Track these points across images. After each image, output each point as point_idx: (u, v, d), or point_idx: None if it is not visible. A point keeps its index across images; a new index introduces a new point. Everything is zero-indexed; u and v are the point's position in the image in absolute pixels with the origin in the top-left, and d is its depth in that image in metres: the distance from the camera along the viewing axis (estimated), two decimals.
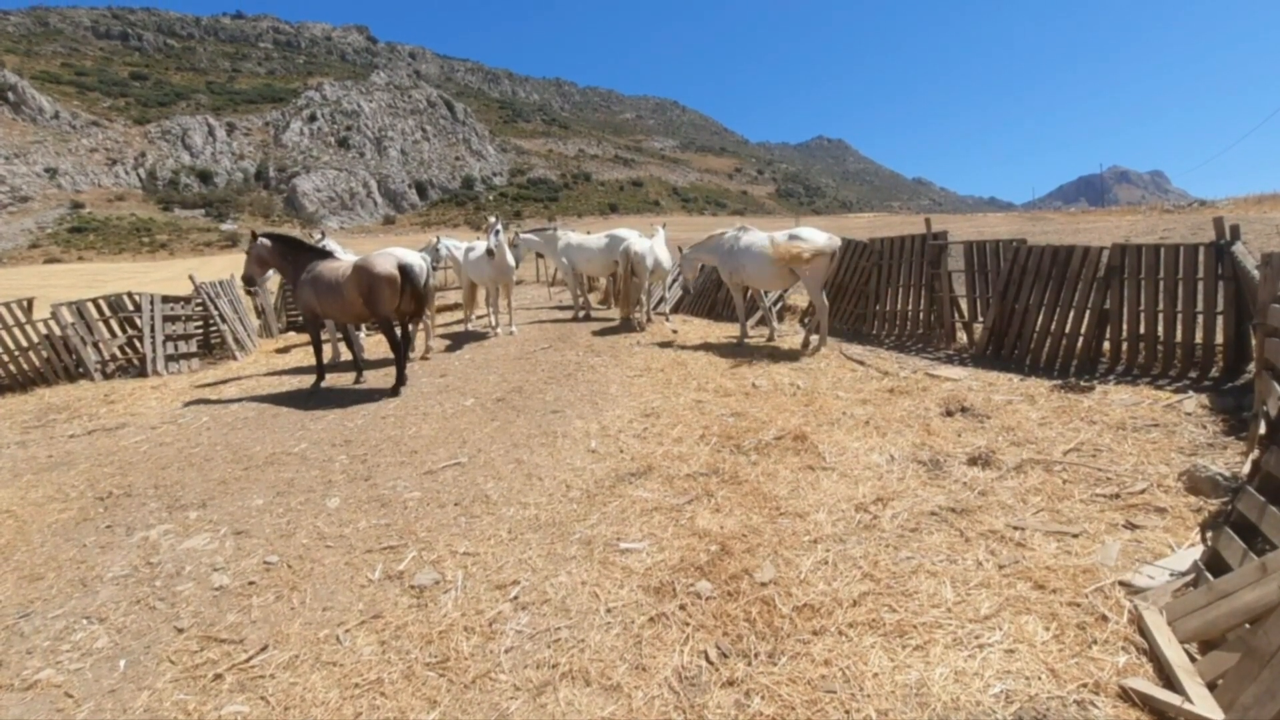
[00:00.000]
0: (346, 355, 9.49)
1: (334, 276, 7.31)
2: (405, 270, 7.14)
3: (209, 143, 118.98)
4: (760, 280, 8.33)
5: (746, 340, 8.78)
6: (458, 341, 10.54)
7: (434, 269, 12.89)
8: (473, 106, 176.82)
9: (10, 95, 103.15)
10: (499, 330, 10.73)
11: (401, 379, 7.28)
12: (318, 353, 7.85)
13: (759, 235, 8.43)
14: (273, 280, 12.06)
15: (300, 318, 7.62)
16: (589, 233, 13.01)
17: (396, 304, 7.21)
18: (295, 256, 7.73)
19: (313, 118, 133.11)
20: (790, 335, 9.38)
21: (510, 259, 9.69)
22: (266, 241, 7.76)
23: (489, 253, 9.41)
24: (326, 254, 7.81)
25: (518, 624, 2.83)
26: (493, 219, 9.75)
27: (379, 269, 7.06)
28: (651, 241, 10.57)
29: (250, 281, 8.04)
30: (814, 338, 8.31)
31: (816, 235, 7.84)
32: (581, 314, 12.22)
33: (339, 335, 9.89)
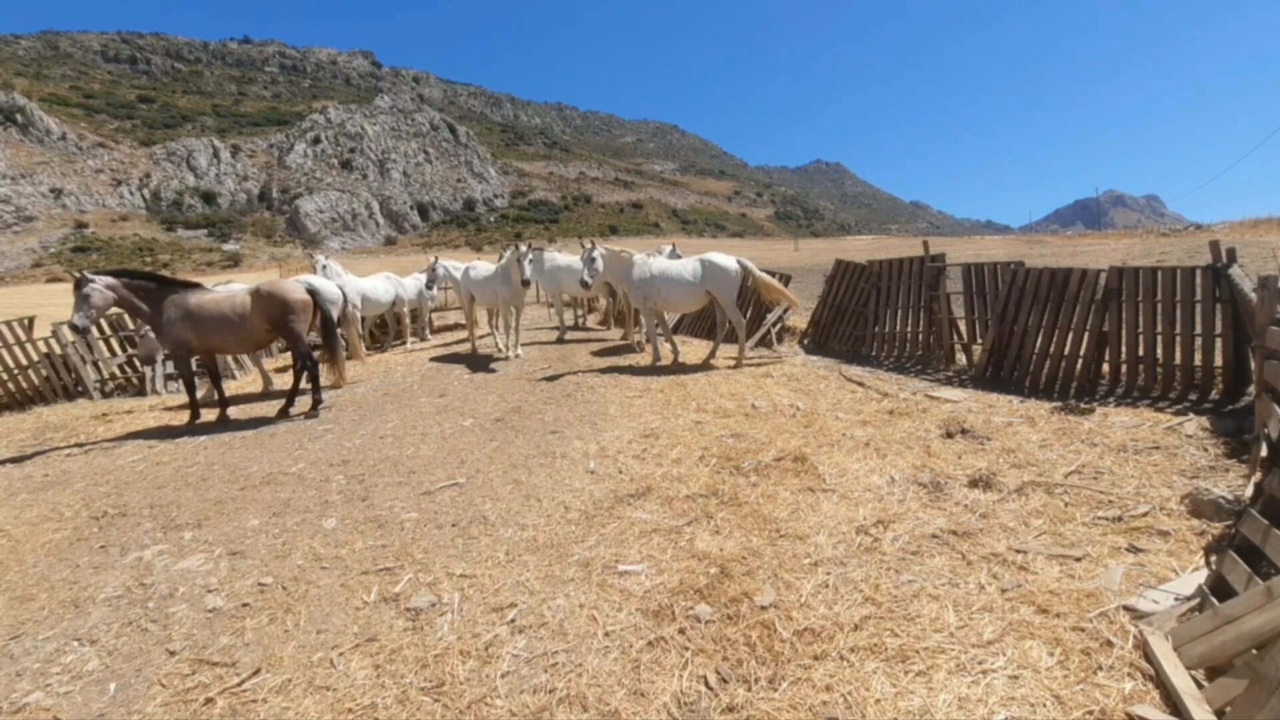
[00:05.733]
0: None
1: (226, 308, 7.10)
2: (314, 294, 7.39)
3: (213, 164, 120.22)
4: (678, 305, 9.03)
5: (745, 361, 8.79)
6: (456, 361, 10.55)
7: (433, 290, 13.01)
8: (475, 130, 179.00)
9: (18, 117, 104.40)
10: (510, 353, 10.52)
11: (318, 399, 7.49)
12: (190, 390, 7.43)
13: (667, 262, 9.09)
14: None
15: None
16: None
17: (310, 327, 7.42)
18: (152, 294, 7.05)
19: (317, 140, 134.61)
20: (790, 355, 9.40)
21: (528, 278, 9.73)
22: (111, 280, 6.82)
23: (524, 283, 9.67)
24: (190, 285, 7.37)
25: (514, 648, 2.79)
26: (524, 248, 9.87)
27: (294, 295, 7.18)
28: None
29: (83, 328, 6.72)
30: (726, 348, 9.04)
31: (729, 260, 8.63)
32: (569, 334, 12.28)
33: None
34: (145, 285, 7.05)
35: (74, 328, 6.68)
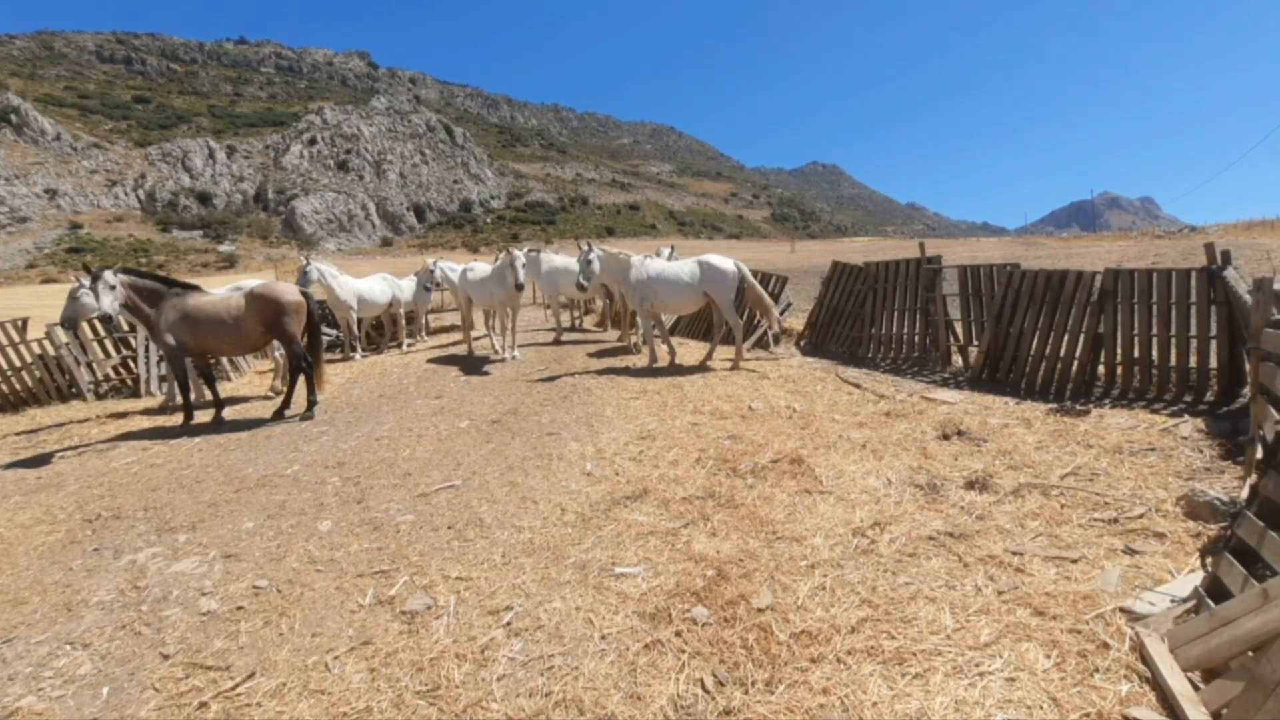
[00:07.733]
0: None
1: (223, 310, 7.17)
2: (307, 297, 7.50)
3: (209, 165, 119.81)
4: (676, 307, 9.05)
5: (742, 363, 8.79)
6: (453, 363, 10.53)
7: (430, 290, 12.99)
8: (472, 131, 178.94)
9: (13, 118, 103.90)
10: (506, 354, 10.49)
11: (314, 400, 7.45)
12: (184, 392, 7.36)
13: (664, 263, 9.09)
14: None
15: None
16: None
17: (304, 329, 7.49)
18: (155, 295, 7.09)
19: (313, 141, 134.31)
20: (787, 357, 9.40)
21: (521, 282, 9.69)
22: (122, 276, 6.88)
23: (517, 286, 9.59)
24: (189, 287, 7.35)
25: (510, 651, 2.78)
26: (516, 251, 9.80)
27: (288, 297, 7.29)
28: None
29: (114, 315, 6.81)
30: (724, 350, 9.18)
31: (726, 262, 8.67)
32: (566, 335, 12.26)
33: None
34: (149, 285, 7.08)
35: (105, 318, 6.79)
